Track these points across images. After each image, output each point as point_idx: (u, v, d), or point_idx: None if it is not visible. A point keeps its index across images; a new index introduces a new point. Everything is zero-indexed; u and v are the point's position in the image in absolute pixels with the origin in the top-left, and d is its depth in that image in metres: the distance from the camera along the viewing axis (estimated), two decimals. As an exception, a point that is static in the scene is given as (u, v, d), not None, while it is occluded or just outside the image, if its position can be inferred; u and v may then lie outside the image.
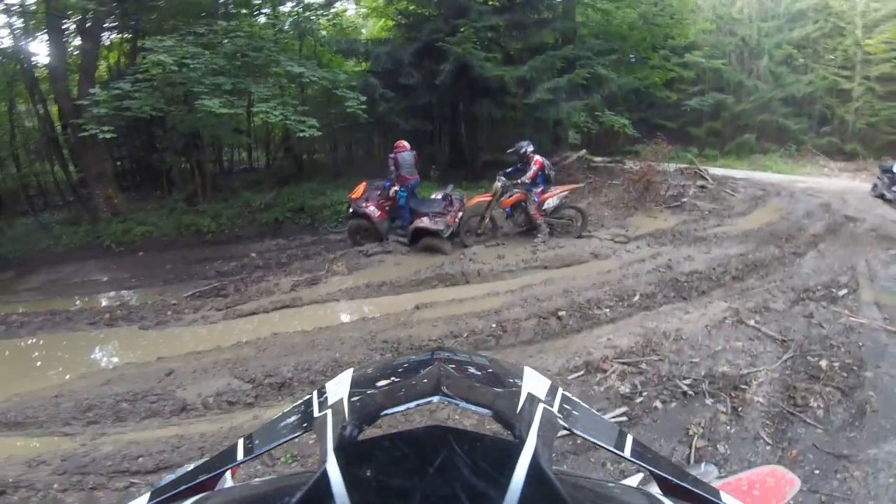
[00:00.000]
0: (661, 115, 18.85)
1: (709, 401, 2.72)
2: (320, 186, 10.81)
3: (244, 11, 10.88)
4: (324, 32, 12.61)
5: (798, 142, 18.54)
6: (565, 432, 0.55)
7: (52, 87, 9.78)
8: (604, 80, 11.31)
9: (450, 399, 0.51)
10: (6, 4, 8.96)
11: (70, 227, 9.31)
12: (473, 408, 0.51)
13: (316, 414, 0.59)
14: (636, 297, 4.62)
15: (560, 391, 0.64)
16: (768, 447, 2.33)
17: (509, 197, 6.78)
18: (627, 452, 0.59)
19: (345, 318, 4.81)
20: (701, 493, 0.55)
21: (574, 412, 0.62)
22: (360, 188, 6.90)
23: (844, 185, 12.80)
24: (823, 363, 3.12)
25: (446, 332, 3.95)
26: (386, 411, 0.52)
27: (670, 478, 0.56)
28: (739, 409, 2.62)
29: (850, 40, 18.40)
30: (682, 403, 2.72)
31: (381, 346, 3.80)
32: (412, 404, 0.51)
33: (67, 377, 3.84)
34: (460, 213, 6.77)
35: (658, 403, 2.71)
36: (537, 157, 6.72)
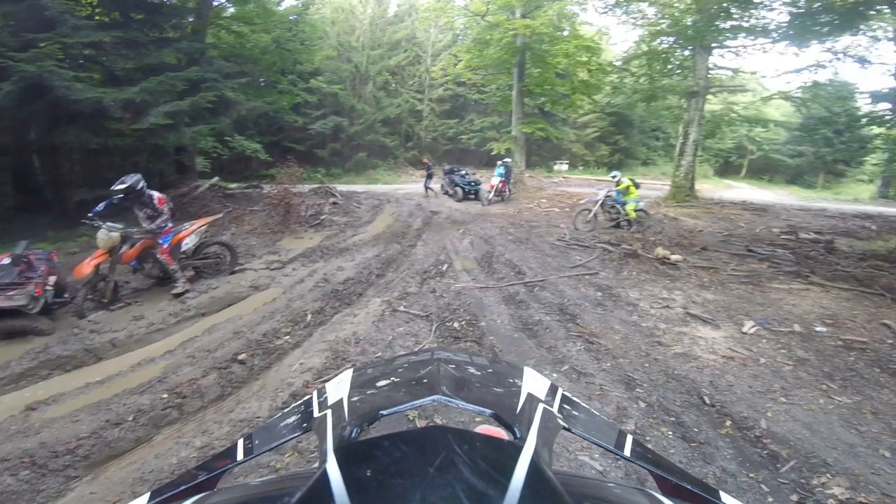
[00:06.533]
0: (290, 138, 20.06)
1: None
2: None
3: None
4: None
5: (394, 156, 23.96)
6: (565, 432, 0.56)
7: None
8: (232, 103, 10.91)
9: (450, 399, 0.50)
10: None
11: None
12: (473, 408, 0.51)
13: (316, 414, 0.58)
14: (309, 317, 4.81)
15: (560, 391, 0.65)
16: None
17: (132, 247, 5.40)
18: (627, 452, 0.59)
19: None
20: (701, 493, 0.55)
21: (574, 412, 0.63)
22: None
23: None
24: (456, 325, 4.28)
25: (101, 423, 2.97)
26: (386, 411, 0.50)
27: (670, 478, 0.56)
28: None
29: (423, 67, 25.05)
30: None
31: (2, 466, 2.55)
32: (412, 404, 0.50)
33: None
34: (52, 277, 4.94)
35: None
36: (158, 194, 5.59)
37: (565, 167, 26.36)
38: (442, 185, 15.64)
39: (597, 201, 9.86)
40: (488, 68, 17.56)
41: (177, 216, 6.06)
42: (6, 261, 4.79)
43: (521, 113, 16.71)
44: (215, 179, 11.91)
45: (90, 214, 5.22)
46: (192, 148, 11.22)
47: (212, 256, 6.32)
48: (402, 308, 4.86)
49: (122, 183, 5.31)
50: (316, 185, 13.59)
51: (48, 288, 4.80)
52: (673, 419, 2.91)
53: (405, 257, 7.30)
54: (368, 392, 0.60)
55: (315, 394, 0.65)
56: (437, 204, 13.35)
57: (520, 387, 0.61)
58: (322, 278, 6.15)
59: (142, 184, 5.43)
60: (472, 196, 14.15)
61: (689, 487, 0.55)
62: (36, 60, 7.31)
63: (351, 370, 0.68)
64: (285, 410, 0.65)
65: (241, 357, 3.89)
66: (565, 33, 15.73)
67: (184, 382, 3.47)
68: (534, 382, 0.64)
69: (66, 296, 5.15)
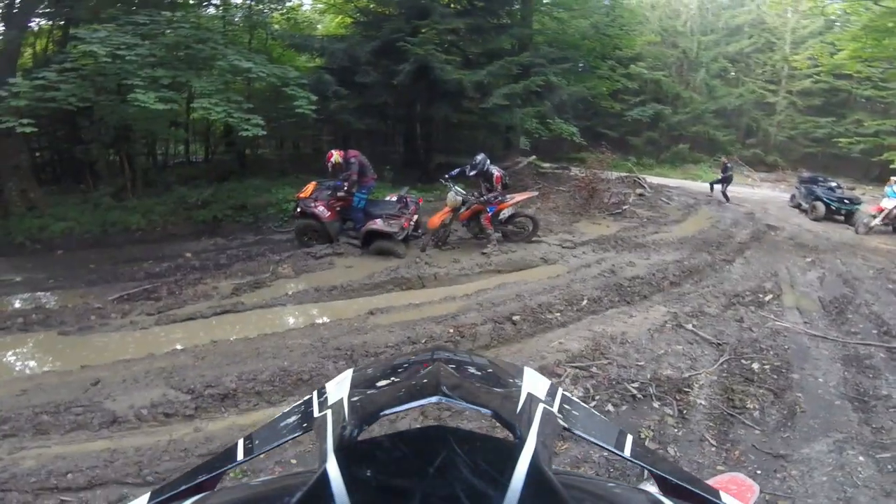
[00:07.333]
0: (605, 123, 19.83)
1: (656, 403, 2.86)
2: (264, 183, 10.27)
3: (192, 1, 10.17)
4: (276, 26, 12.14)
5: (726, 152, 20.18)
6: (565, 432, 0.56)
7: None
8: (555, 87, 11.71)
9: (450, 399, 0.51)
10: None
11: (-24, 223, 8.20)
12: (473, 408, 0.52)
13: (316, 414, 0.59)
14: (584, 302, 4.79)
15: (560, 391, 0.65)
16: (713, 448, 2.47)
17: (467, 210, 6.82)
18: (627, 452, 0.59)
19: (293, 323, 4.59)
20: (701, 493, 0.55)
21: (574, 412, 0.63)
22: (310, 187, 6.72)
23: (766, 194, 14.07)
24: (755, 366, 3.39)
25: (403, 338, 3.88)
26: (386, 411, 0.52)
27: (670, 478, 0.57)
28: (684, 411, 2.78)
29: (778, 55, 20.39)
30: (632, 406, 2.84)
31: (333, 353, 3.66)
32: (412, 404, 0.51)
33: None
34: (415, 216, 6.74)
35: (610, 407, 2.82)
36: (496, 172, 6.79)
37: None
38: (793, 196, 12.21)
39: None
40: (891, 60, 12.60)
41: (507, 187, 7.09)
42: (394, 198, 6.94)
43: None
44: (532, 158, 13.08)
45: (446, 176, 6.85)
46: (518, 127, 12.50)
47: (518, 225, 7.19)
48: (689, 326, 4.19)
49: (475, 162, 6.78)
50: (624, 174, 13.00)
51: (412, 223, 6.64)
52: None
53: (714, 272, 6.18)
54: (369, 392, 0.59)
55: (315, 394, 0.65)
56: (781, 218, 10.54)
57: (520, 387, 0.60)
58: (608, 269, 5.97)
59: (487, 163, 6.82)
60: (841, 217, 10.44)
61: (689, 487, 0.55)
62: (422, 44, 9.63)
63: (351, 370, 0.67)
64: (285, 410, 0.65)
65: (515, 318, 4.27)
66: None
67: (467, 324, 4.11)
68: (534, 382, 0.63)
69: (418, 232, 6.92)
